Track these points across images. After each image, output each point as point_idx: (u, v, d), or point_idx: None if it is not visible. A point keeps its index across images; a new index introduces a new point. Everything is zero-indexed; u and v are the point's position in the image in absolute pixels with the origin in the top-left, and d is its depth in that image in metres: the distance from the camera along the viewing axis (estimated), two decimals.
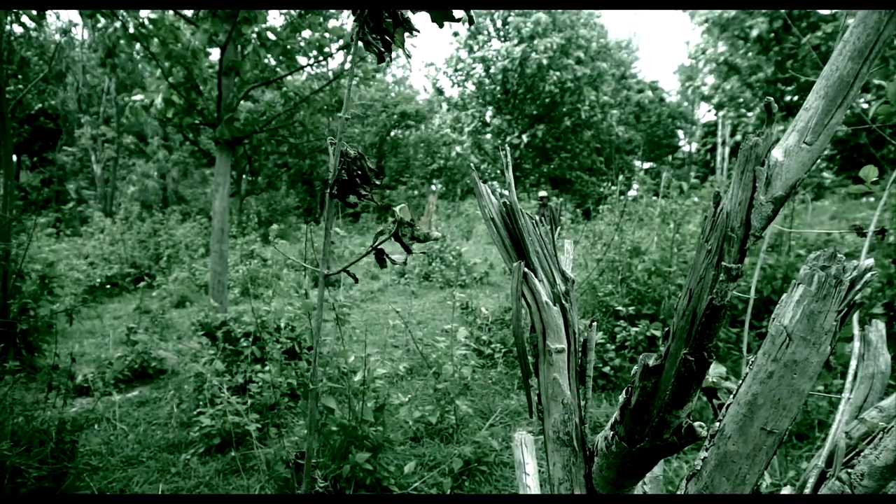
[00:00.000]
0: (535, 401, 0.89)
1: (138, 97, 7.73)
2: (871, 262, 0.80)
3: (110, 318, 9.69)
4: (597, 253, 6.29)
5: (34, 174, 22.71)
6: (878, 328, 1.53)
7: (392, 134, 27.35)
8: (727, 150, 26.46)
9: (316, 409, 1.36)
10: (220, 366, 4.84)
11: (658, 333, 4.30)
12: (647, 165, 34.72)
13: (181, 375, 6.17)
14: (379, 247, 0.98)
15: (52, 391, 3.51)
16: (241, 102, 7.42)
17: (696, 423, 0.67)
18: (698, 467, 0.89)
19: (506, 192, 0.99)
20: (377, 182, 0.92)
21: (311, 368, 3.78)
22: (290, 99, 8.87)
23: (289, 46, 7.04)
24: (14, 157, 24.53)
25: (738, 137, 20.40)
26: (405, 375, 5.84)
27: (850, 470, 1.20)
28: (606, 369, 4.59)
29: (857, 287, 0.78)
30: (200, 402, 4.88)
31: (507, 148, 0.96)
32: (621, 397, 0.74)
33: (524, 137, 23.30)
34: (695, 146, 35.60)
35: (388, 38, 0.95)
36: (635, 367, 0.71)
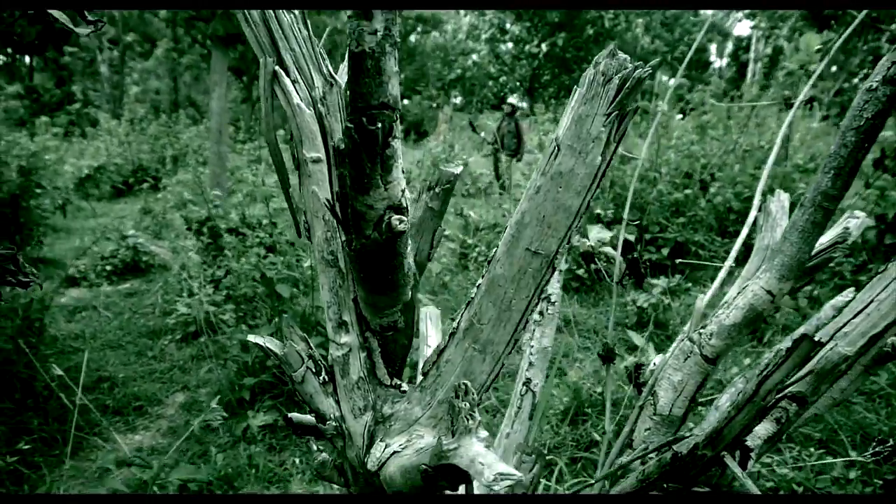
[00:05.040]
0: (303, 220, 0.83)
1: None
2: (657, 61, 0.69)
3: (115, 217, 9.86)
4: None
5: (47, 75, 22.52)
6: (781, 199, 1.43)
7: (409, 40, 26.40)
8: (758, 66, 25.13)
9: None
10: (196, 258, 4.91)
11: (631, 238, 4.18)
12: (672, 81, 33.28)
13: (172, 270, 6.28)
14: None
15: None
16: None
17: (395, 217, 0.60)
18: (473, 294, 0.84)
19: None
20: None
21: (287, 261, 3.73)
22: None
23: None
24: (27, 59, 24.25)
25: (769, 51, 19.31)
26: None
27: (701, 330, 1.15)
28: (581, 272, 4.54)
29: (628, 86, 0.68)
30: (182, 293, 4.99)
31: None
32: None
33: (543, 46, 22.29)
34: (725, 61, 33.94)
35: None
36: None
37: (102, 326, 4.78)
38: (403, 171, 0.62)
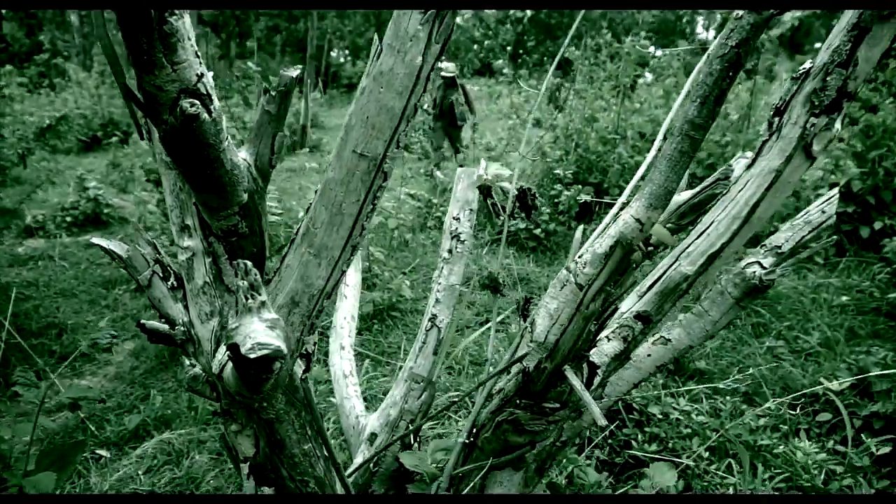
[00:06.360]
0: (144, 121, 0.83)
1: None
2: None
3: (84, 170, 9.68)
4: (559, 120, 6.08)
5: (15, 24, 21.76)
6: None
7: None
8: None
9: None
10: (156, 209, 4.87)
11: (588, 197, 4.23)
12: (659, 52, 32.99)
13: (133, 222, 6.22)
14: None
15: None
16: None
17: (187, 101, 0.60)
18: (311, 200, 0.84)
19: None
20: None
21: None
22: None
23: None
24: None
25: None
26: None
27: (577, 259, 1.17)
28: (538, 231, 4.57)
29: None
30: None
31: None
32: None
33: (528, 11, 22.02)
34: (712, 33, 33.73)
35: None
36: None
37: (57, 275, 4.74)
38: (199, 56, 0.62)
